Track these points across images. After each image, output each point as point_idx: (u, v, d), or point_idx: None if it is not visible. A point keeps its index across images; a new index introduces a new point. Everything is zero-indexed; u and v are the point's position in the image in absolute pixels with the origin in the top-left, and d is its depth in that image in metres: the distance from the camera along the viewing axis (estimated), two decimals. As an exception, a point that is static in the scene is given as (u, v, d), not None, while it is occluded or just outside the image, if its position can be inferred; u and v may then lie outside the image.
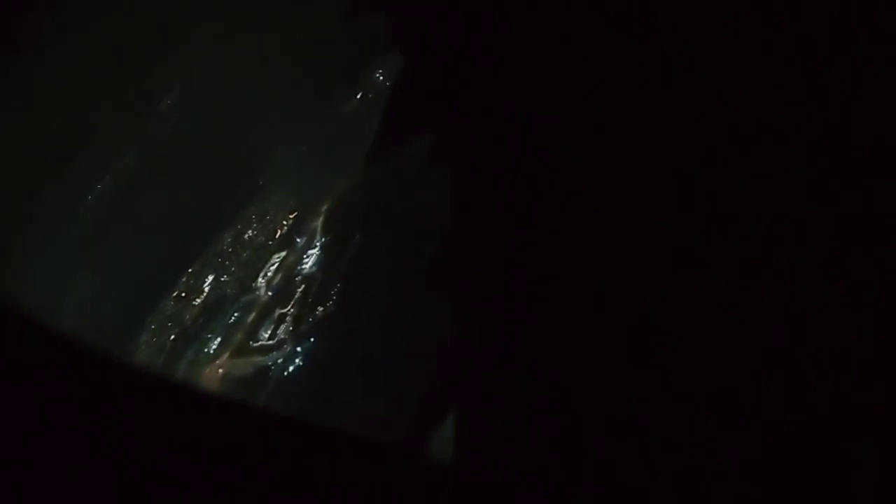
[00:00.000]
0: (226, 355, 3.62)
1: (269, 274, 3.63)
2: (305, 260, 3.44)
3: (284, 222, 3.66)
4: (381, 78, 3.18)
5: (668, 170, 1.77)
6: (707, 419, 1.63)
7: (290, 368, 3.06)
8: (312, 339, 3.02)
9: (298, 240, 3.49)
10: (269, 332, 3.25)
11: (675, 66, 1.76)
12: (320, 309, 2.95)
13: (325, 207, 3.49)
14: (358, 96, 3.39)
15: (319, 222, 3.50)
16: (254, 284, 3.67)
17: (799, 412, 1.60)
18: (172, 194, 3.63)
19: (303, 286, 3.31)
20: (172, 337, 4.00)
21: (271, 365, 3.19)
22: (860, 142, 1.67)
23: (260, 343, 3.39)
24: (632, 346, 1.70)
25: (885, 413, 1.56)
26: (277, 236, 3.73)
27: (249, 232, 3.78)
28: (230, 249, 3.81)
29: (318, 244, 3.41)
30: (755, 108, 1.72)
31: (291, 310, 2.97)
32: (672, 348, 1.69)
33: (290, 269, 3.58)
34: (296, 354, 3.06)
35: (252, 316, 3.58)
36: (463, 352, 1.76)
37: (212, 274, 3.77)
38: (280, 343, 3.14)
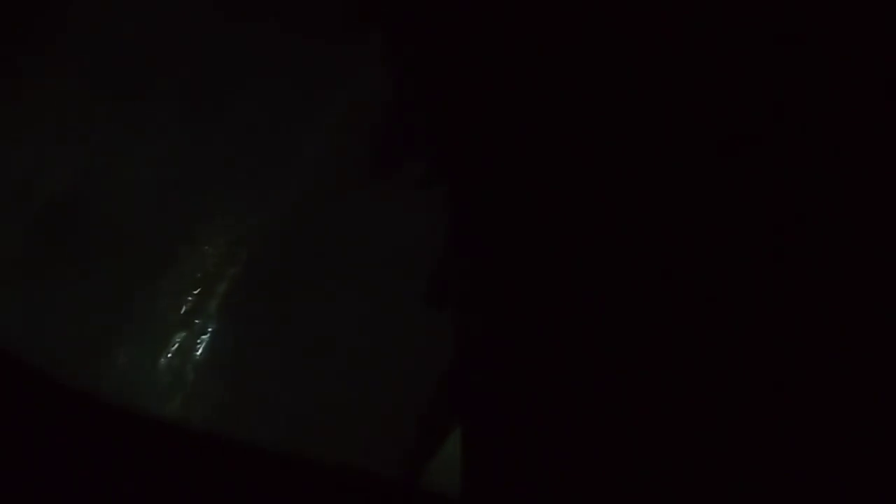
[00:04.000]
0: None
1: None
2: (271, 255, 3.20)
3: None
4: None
5: (668, 173, 1.74)
6: (709, 421, 1.59)
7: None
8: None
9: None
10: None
11: (673, 66, 1.74)
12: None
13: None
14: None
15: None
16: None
17: (799, 412, 1.57)
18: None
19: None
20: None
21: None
22: (860, 142, 1.65)
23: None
24: (639, 357, 1.65)
25: (886, 413, 1.53)
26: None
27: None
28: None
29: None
30: (755, 108, 1.70)
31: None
32: (676, 357, 1.65)
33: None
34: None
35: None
36: (462, 371, 1.71)
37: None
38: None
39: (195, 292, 1.59)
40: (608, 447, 1.59)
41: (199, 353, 1.56)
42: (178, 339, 1.56)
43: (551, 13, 1.75)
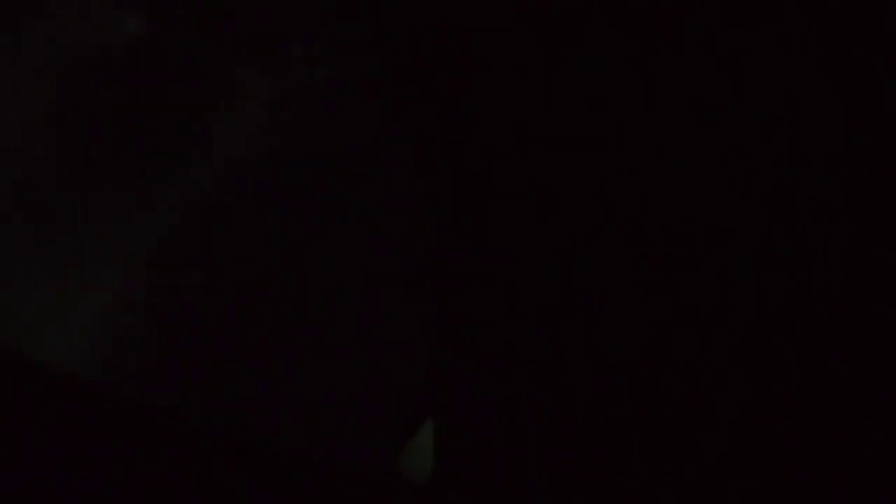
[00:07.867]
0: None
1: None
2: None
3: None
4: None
5: (668, 173, 1.74)
6: (708, 424, 1.59)
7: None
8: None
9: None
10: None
11: (673, 66, 1.73)
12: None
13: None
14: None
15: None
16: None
17: (799, 412, 1.57)
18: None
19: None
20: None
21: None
22: (860, 142, 1.65)
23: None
24: (630, 353, 1.65)
25: (886, 413, 1.53)
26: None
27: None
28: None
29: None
30: (755, 108, 1.70)
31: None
32: (675, 366, 1.65)
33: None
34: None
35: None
36: (443, 361, 1.71)
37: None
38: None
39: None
40: (585, 443, 1.59)
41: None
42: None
43: (551, 12, 1.75)
